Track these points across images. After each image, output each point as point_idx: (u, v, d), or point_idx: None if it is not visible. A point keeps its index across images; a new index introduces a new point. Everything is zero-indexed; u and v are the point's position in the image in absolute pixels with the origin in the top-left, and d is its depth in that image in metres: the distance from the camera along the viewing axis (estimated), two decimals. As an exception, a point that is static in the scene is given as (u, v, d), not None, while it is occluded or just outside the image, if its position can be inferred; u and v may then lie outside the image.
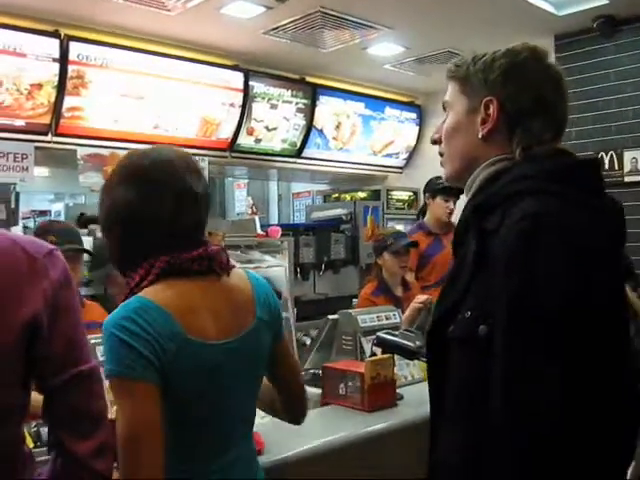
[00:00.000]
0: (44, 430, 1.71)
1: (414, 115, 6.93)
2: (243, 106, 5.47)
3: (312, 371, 2.78)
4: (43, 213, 7.22)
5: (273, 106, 5.70)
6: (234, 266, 1.51)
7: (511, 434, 1.11)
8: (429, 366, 1.44)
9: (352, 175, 6.84)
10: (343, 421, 2.29)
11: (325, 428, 2.26)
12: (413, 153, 7.03)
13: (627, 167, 4.63)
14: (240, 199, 8.07)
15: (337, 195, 7.23)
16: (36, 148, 4.62)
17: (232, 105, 5.42)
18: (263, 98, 5.61)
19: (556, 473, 1.08)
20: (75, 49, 4.59)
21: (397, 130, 6.82)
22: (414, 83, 6.46)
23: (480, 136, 1.35)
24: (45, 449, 1.30)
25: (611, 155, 4.69)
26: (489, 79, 1.35)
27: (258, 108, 5.60)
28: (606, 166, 4.70)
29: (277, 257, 5.53)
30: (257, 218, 5.52)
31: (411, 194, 6.81)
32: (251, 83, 5.49)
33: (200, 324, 1.36)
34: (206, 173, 5.86)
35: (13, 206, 5.29)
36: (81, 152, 4.87)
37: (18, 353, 1.14)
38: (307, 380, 2.69)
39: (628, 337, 1.23)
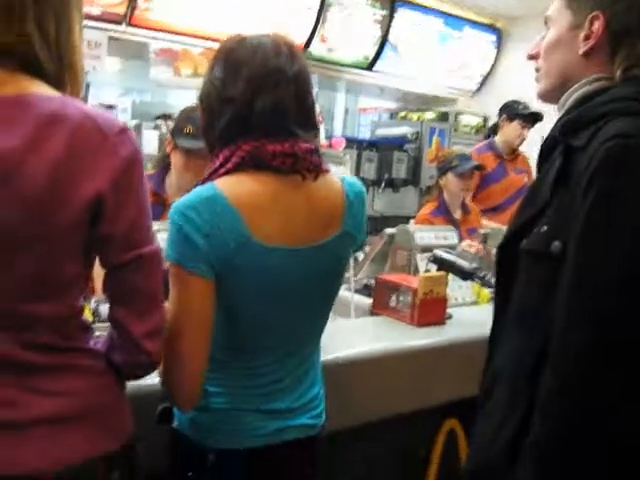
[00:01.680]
0: (103, 307, 1.77)
1: (493, 38, 6.69)
2: (319, 12, 5.35)
3: (365, 281, 2.79)
4: (110, 107, 7.27)
5: (349, 15, 5.56)
6: (327, 170, 1.42)
7: (569, 338, 1.12)
8: (497, 280, 1.44)
9: (422, 95, 6.69)
10: (391, 332, 2.32)
11: (374, 336, 2.30)
12: (487, 78, 6.82)
13: None
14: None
15: (404, 114, 7.09)
16: (110, 38, 4.63)
17: (309, 9, 5.30)
18: (341, 4, 5.47)
19: (609, 376, 1.09)
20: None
21: (474, 52, 6.60)
22: (496, 5, 6.21)
23: (581, 53, 1.31)
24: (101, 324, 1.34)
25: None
26: None
27: (334, 16, 5.47)
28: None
29: (339, 169, 5.54)
30: (322, 127, 5.49)
31: (480, 120, 6.65)
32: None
33: (268, 226, 1.32)
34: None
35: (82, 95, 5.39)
36: (154, 46, 4.89)
37: (81, 228, 1.15)
38: (358, 289, 2.73)
39: None
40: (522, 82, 6.16)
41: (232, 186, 1.31)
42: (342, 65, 5.78)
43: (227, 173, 1.34)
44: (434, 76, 6.45)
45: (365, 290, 2.71)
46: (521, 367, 1.25)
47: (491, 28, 6.68)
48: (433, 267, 2.55)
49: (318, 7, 5.32)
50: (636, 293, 1.09)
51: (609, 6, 1.27)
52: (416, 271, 2.76)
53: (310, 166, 1.36)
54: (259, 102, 1.32)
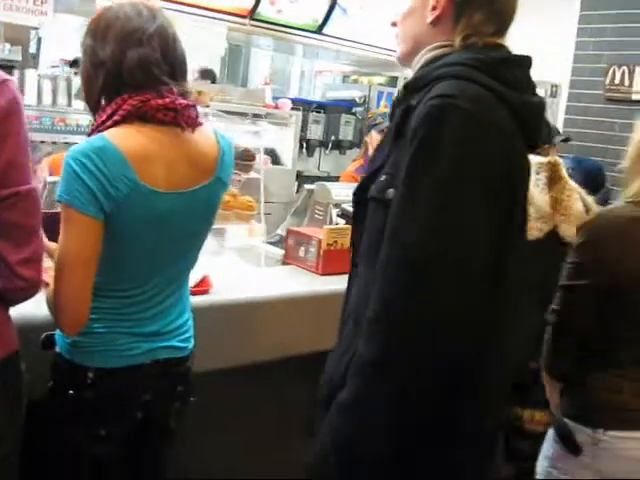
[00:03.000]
0: None
1: None
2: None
3: (281, 233, 2.96)
4: (74, 63, 7.28)
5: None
6: (201, 123, 1.61)
7: (385, 265, 1.28)
8: (352, 224, 1.60)
9: (376, 59, 6.79)
10: (295, 279, 2.49)
11: (276, 282, 2.47)
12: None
13: (637, 85, 4.60)
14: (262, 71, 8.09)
15: (355, 78, 7.21)
16: (56, -6, 4.67)
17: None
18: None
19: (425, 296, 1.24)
20: None
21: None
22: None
23: (428, 21, 1.45)
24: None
25: (623, 70, 4.66)
26: None
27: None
28: (616, 80, 4.68)
29: (285, 130, 5.67)
30: (269, 89, 5.60)
31: (429, 85, 6.80)
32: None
33: (154, 172, 1.49)
34: (223, 39, 5.91)
35: (33, 51, 5.42)
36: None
37: None
38: (274, 242, 2.90)
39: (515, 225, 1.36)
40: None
41: (121, 137, 1.47)
42: (291, 27, 5.86)
43: (114, 125, 1.49)
44: (384, 40, 6.54)
45: (280, 242, 2.88)
46: (364, 304, 1.36)
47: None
48: (343, 221, 2.72)
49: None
50: (439, 233, 1.23)
51: None
52: (332, 224, 2.92)
53: (189, 120, 1.54)
54: (127, 60, 1.50)
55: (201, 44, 5.87)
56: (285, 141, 5.68)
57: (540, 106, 1.47)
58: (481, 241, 1.26)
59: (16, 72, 4.59)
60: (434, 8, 1.43)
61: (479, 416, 1.35)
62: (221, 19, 5.41)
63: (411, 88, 1.40)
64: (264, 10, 5.58)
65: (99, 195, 1.42)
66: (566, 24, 5.01)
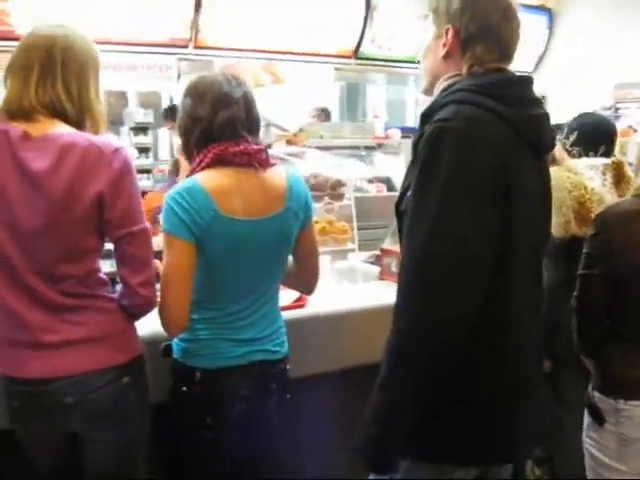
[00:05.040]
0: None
1: (544, 18, 6.91)
2: (366, 17, 5.79)
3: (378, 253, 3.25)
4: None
5: (395, 15, 5.95)
6: (274, 164, 1.99)
7: (403, 267, 1.56)
8: (399, 235, 1.88)
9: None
10: (388, 292, 2.76)
11: (368, 295, 2.76)
12: (543, 58, 7.06)
13: None
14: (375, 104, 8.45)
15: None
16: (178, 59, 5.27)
17: (355, 15, 5.75)
18: (385, 7, 5.88)
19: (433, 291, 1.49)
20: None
21: (527, 34, 6.83)
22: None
23: (441, 56, 1.74)
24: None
25: None
26: (449, 11, 1.72)
27: (380, 17, 5.88)
28: None
29: (398, 158, 5.97)
30: (378, 121, 5.93)
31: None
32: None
33: (232, 204, 1.87)
34: (332, 80, 6.32)
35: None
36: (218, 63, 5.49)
37: (91, 215, 1.74)
38: (372, 261, 3.20)
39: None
40: (576, 59, 6.40)
41: (205, 178, 1.88)
42: (394, 61, 6.17)
43: (202, 170, 1.90)
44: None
45: (378, 261, 3.17)
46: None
47: (541, 9, 6.89)
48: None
49: (364, 13, 5.76)
50: (440, 238, 1.49)
51: (457, 20, 1.70)
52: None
53: (260, 161, 1.93)
54: (218, 118, 1.88)
55: (314, 86, 6.34)
56: (399, 168, 5.97)
57: (541, 118, 1.69)
58: (478, 241, 1.50)
59: (150, 132, 5.24)
60: (444, 45, 1.71)
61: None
62: (328, 62, 5.82)
63: (427, 116, 1.67)
64: (367, 49, 5.95)
65: (189, 223, 1.81)
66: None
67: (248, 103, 1.94)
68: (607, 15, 6.21)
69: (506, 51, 1.73)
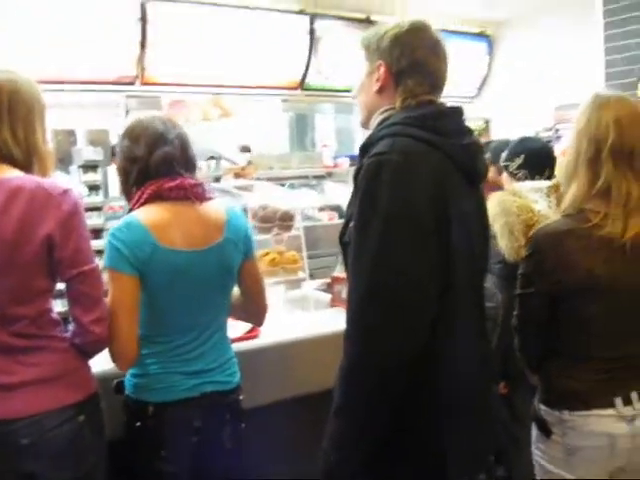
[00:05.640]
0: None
1: (485, 44, 7.12)
2: (311, 48, 5.91)
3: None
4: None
5: (339, 46, 6.08)
6: (211, 198, 2.05)
7: (348, 295, 1.63)
8: (344, 265, 1.94)
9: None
10: (339, 319, 2.82)
11: (320, 323, 2.81)
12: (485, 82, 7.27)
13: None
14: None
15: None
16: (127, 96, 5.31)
17: (300, 47, 5.87)
18: (329, 39, 6.00)
19: (374, 315, 1.56)
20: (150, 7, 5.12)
21: (468, 59, 7.02)
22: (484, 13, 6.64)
23: (375, 91, 1.81)
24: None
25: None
26: (380, 47, 1.81)
27: (324, 49, 6.01)
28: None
29: (347, 186, 6.07)
30: (326, 150, 6.05)
31: (482, 122, 7.07)
32: (316, 25, 5.90)
33: (171, 236, 1.92)
34: (280, 111, 6.42)
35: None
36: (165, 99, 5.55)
37: (42, 256, 1.77)
38: (324, 289, 3.26)
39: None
40: (517, 82, 6.59)
41: (144, 213, 1.94)
42: (339, 91, 6.31)
43: (141, 206, 1.95)
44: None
45: (328, 288, 3.23)
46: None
47: (481, 35, 7.11)
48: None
49: (308, 44, 5.88)
50: (387, 258, 1.56)
51: (388, 56, 1.78)
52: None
53: (196, 195, 1.99)
54: (154, 156, 1.96)
55: (261, 117, 6.42)
56: (348, 196, 6.06)
57: (472, 147, 1.78)
58: (421, 273, 1.57)
59: (100, 170, 5.25)
60: (377, 80, 1.79)
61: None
62: (275, 94, 5.92)
63: (365, 148, 1.74)
64: (313, 80, 6.06)
65: (130, 257, 1.86)
66: (594, 45, 5.22)
67: (183, 143, 2.02)
68: (545, 39, 6.44)
69: (436, 83, 1.81)
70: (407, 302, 1.56)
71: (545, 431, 1.93)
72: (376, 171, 1.60)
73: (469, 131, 1.83)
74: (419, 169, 1.62)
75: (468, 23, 6.95)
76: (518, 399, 2.75)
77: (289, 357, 2.55)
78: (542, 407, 1.96)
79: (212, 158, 5.46)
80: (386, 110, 1.79)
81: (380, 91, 1.80)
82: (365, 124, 1.89)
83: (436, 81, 1.82)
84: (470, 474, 1.79)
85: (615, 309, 1.87)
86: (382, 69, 1.78)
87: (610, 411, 1.85)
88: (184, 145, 2.03)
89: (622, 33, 4.95)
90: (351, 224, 1.69)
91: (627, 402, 1.86)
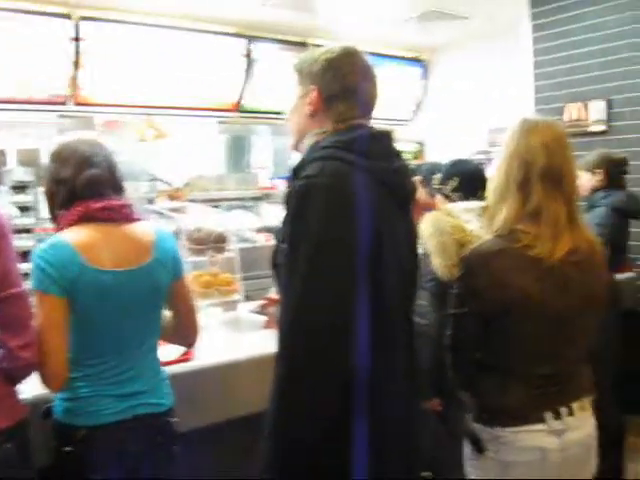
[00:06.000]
0: None
1: (419, 69, 7.28)
2: (247, 70, 5.94)
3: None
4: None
5: (275, 68, 6.13)
6: (139, 219, 2.05)
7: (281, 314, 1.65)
8: (277, 286, 1.95)
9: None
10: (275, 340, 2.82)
11: (257, 344, 2.80)
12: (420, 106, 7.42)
13: (592, 117, 4.95)
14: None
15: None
16: (59, 116, 5.24)
17: (236, 70, 5.89)
18: (265, 62, 6.05)
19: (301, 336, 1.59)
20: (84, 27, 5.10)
21: (403, 84, 7.17)
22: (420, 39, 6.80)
23: (307, 114, 1.84)
24: None
25: (578, 106, 5.02)
26: (312, 72, 1.84)
27: (260, 71, 6.05)
28: (574, 116, 5.03)
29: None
30: (262, 172, 6.07)
31: (417, 145, 7.22)
32: (252, 47, 5.94)
33: (98, 256, 1.90)
34: (216, 132, 6.41)
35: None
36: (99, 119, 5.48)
37: None
38: (259, 311, 3.25)
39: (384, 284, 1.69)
40: (451, 106, 6.75)
41: (70, 234, 1.92)
42: (273, 113, 6.33)
43: (69, 227, 1.93)
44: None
45: (263, 310, 3.22)
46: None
47: (416, 60, 7.27)
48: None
49: (245, 67, 5.91)
50: (319, 279, 1.59)
51: (320, 80, 1.81)
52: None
53: (124, 215, 2.00)
54: (81, 177, 1.95)
55: (198, 139, 6.40)
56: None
57: (402, 169, 1.82)
58: (352, 294, 1.60)
59: (30, 191, 5.13)
60: (309, 103, 1.82)
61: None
62: (210, 116, 5.92)
63: (296, 171, 1.76)
64: (248, 102, 6.09)
65: (57, 278, 1.83)
66: (524, 70, 5.40)
67: (110, 165, 2.03)
68: (478, 64, 6.64)
69: (367, 108, 1.85)
70: (337, 323, 1.58)
71: (479, 448, 1.96)
72: (306, 194, 1.62)
73: (398, 154, 1.87)
74: (348, 192, 1.64)
75: (403, 48, 7.11)
76: (452, 415, 2.79)
77: (224, 379, 2.53)
78: (475, 424, 1.98)
79: (147, 179, 5.41)
80: (317, 134, 1.81)
81: (312, 115, 1.83)
82: (296, 147, 1.91)
83: (366, 105, 1.85)
84: None
85: (545, 327, 1.91)
86: (314, 93, 1.81)
87: (541, 426, 1.89)
88: (111, 167, 2.03)
89: (550, 60, 5.15)
90: (282, 246, 1.71)
91: (557, 417, 1.90)
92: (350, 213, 1.63)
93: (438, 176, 3.04)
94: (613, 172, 3.84)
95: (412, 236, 1.94)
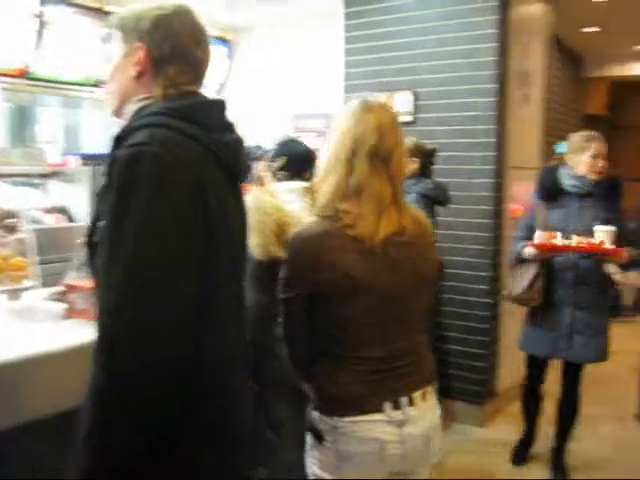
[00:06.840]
0: None
1: (226, 49, 7.08)
2: (38, 34, 5.40)
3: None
4: None
5: (70, 35, 5.64)
6: None
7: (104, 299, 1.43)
8: (88, 266, 1.68)
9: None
10: (79, 331, 2.51)
11: (57, 337, 2.48)
12: (224, 85, 7.23)
13: (399, 108, 5.04)
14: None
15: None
16: None
17: (25, 31, 5.33)
18: (58, 26, 5.54)
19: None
20: None
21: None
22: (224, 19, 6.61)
23: (132, 76, 1.61)
24: None
25: (385, 96, 5.08)
26: (139, 28, 1.60)
27: (53, 36, 5.53)
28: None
29: (76, 186, 5.63)
30: (51, 147, 5.56)
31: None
32: (45, 9, 5.40)
33: None
34: None
35: None
36: None
37: None
38: (57, 298, 2.90)
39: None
40: (256, 89, 6.63)
41: None
42: (69, 84, 5.84)
43: None
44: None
45: (62, 297, 2.88)
46: None
47: (222, 40, 7.06)
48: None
49: (37, 29, 5.36)
50: (147, 257, 1.39)
51: (148, 38, 1.59)
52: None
53: None
54: None
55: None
56: (79, 197, 5.63)
57: (234, 144, 1.66)
58: (181, 269, 1.43)
59: None
60: (135, 64, 1.59)
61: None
62: (-6, 81, 5.31)
63: (120, 139, 1.53)
64: (38, 69, 5.53)
65: None
66: (335, 57, 5.40)
67: None
68: (287, 48, 6.63)
69: (198, 73, 1.69)
70: (169, 299, 1.41)
71: (318, 438, 1.90)
72: (134, 163, 1.42)
73: (232, 126, 1.71)
74: (179, 162, 1.47)
75: (209, 26, 6.85)
76: (279, 405, 2.78)
77: (18, 378, 2.19)
78: (315, 414, 1.91)
79: None
80: (144, 98, 1.61)
81: (138, 77, 1.62)
82: (117, 113, 1.69)
83: (199, 71, 1.69)
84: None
85: (374, 309, 1.87)
86: (141, 52, 1.60)
87: (379, 416, 1.85)
88: None
89: (360, 48, 5.17)
90: (101, 223, 1.49)
91: (396, 407, 1.87)
92: (183, 184, 1.46)
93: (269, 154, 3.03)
94: (425, 161, 3.96)
95: (242, 213, 1.80)
